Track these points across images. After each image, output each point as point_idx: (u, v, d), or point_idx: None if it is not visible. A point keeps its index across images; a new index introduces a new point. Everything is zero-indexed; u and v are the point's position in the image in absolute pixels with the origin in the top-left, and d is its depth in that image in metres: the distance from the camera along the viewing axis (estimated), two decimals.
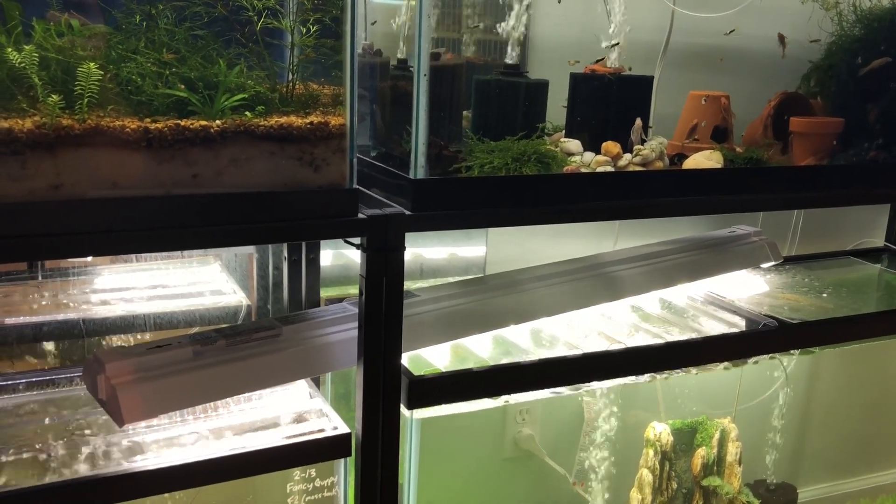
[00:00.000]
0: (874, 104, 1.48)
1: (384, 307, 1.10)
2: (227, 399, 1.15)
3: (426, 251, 1.72)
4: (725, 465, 1.64)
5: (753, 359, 1.50)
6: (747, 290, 1.74)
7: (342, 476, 1.14)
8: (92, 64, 0.89)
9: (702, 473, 1.63)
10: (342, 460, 1.14)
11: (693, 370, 1.40)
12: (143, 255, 1.48)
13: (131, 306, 1.45)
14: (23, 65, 0.87)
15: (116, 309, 1.44)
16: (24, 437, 1.08)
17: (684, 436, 1.65)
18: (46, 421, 1.13)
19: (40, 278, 1.45)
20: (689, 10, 1.47)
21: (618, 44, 1.29)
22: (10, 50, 0.87)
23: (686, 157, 1.37)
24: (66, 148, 0.89)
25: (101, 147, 0.91)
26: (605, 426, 1.59)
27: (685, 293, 1.69)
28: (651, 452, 1.58)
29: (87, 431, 1.10)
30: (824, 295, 1.70)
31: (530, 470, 1.70)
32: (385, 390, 1.12)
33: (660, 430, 1.59)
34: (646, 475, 1.58)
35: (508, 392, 1.22)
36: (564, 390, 1.36)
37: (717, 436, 1.63)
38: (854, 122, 1.47)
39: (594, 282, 1.53)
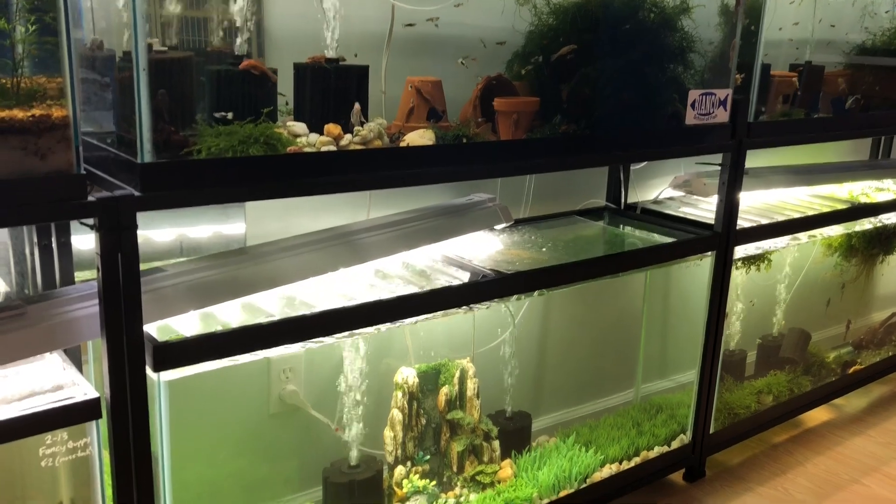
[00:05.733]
0: (565, 85, 1.75)
1: (122, 282, 1.21)
2: None
3: (190, 230, 1.82)
4: (466, 399, 1.89)
5: (484, 304, 1.76)
6: (483, 248, 1.99)
7: (94, 437, 1.26)
8: None
9: (446, 408, 1.87)
10: (94, 423, 1.25)
11: (424, 317, 1.62)
12: None
13: None
14: None
15: None
16: None
17: (430, 377, 1.88)
18: None
19: None
20: (408, 4, 1.66)
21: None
22: None
23: (405, 135, 1.57)
24: None
25: None
26: (361, 375, 1.78)
27: (428, 255, 1.92)
28: (399, 394, 1.80)
29: None
30: (543, 249, 1.99)
31: (296, 422, 1.87)
32: (130, 356, 1.24)
33: (406, 374, 1.81)
34: (396, 415, 1.80)
35: (249, 350, 1.38)
36: (324, 342, 1.54)
37: (457, 375, 1.88)
38: (549, 101, 1.74)
39: (341, 248, 1.71)
